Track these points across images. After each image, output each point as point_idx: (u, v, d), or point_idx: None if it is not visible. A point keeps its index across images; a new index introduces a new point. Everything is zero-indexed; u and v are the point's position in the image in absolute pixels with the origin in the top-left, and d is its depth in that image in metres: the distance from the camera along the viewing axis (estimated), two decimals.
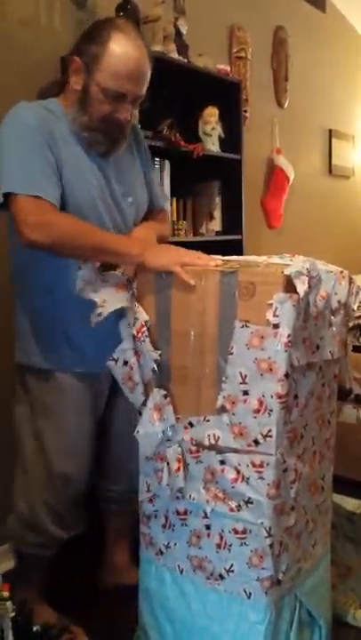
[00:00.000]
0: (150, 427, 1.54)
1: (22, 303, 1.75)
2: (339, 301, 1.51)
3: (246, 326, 1.37)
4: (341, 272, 1.53)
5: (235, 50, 3.46)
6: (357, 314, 2.96)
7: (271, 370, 1.36)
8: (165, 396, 1.53)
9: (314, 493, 1.61)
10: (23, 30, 2.27)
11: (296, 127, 4.15)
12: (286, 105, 4.00)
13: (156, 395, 1.54)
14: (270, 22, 3.83)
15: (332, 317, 1.52)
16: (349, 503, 2.62)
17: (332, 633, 1.79)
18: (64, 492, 1.76)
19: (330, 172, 4.68)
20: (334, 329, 1.54)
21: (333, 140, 4.64)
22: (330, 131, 4.61)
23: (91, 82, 1.58)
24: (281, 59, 3.89)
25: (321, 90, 4.47)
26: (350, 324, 2.96)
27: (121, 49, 1.55)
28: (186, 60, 2.68)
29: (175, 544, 1.58)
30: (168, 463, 1.53)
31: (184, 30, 2.72)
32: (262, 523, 1.42)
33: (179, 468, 1.51)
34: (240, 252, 3.00)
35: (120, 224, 1.73)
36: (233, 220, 3.01)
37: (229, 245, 2.94)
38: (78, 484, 1.79)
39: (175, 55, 2.61)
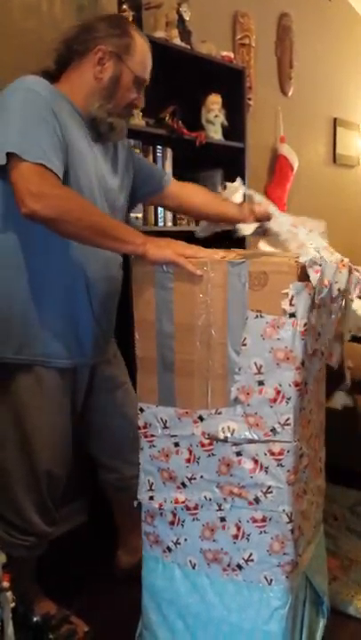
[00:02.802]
0: None
1: (12, 292, 1.62)
2: (338, 289, 1.50)
3: (261, 316, 1.37)
4: (342, 260, 1.51)
5: (239, 37, 3.42)
6: None
7: (288, 359, 1.36)
8: None
9: (316, 475, 1.64)
10: (24, 16, 2.24)
11: (300, 115, 4.11)
12: (291, 93, 3.96)
13: None
14: (275, 9, 3.79)
15: (333, 305, 1.51)
16: (352, 495, 2.62)
17: (334, 624, 1.82)
18: (50, 488, 1.74)
19: (334, 160, 4.65)
20: (333, 316, 1.53)
21: (338, 129, 4.61)
22: (334, 119, 4.58)
23: (123, 70, 1.64)
24: (285, 46, 3.86)
25: (326, 78, 4.43)
26: None
27: (143, 41, 1.68)
28: (189, 47, 2.65)
29: (185, 539, 1.57)
30: None
31: (187, 16, 2.69)
32: (283, 510, 1.44)
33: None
34: (243, 241, 2.97)
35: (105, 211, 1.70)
36: None
37: (233, 235, 2.91)
38: (62, 480, 1.78)
39: (178, 41, 2.58)
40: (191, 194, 1.98)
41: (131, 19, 2.35)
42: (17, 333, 1.63)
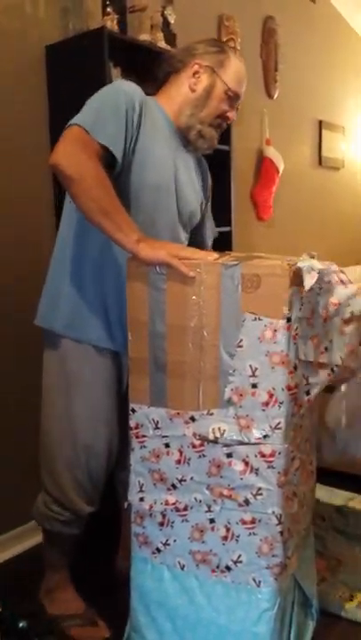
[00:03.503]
0: None
1: (67, 272, 1.73)
2: (352, 312, 1.50)
3: (259, 319, 1.37)
4: None
5: (223, 39, 3.41)
6: None
7: (283, 363, 1.37)
8: None
9: (307, 479, 1.64)
10: (8, 18, 2.24)
11: (286, 118, 4.13)
12: (276, 95, 3.98)
13: None
14: (259, 12, 3.80)
15: (345, 327, 1.51)
16: (339, 495, 2.63)
17: (323, 625, 1.83)
18: (87, 464, 1.77)
19: (320, 163, 4.67)
20: (346, 339, 1.53)
21: (323, 132, 4.63)
22: (320, 122, 4.60)
23: (216, 82, 1.75)
24: (270, 49, 3.87)
25: (311, 81, 4.45)
26: None
27: (237, 60, 1.80)
28: (174, 50, 2.65)
29: (175, 541, 1.57)
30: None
31: (172, 19, 2.70)
32: (273, 512, 1.44)
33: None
34: (229, 245, 2.98)
35: (174, 219, 1.78)
36: (222, 211, 2.98)
37: (219, 237, 2.91)
38: (100, 458, 1.79)
39: (163, 44, 2.58)
40: None
41: (115, 21, 2.36)
42: (65, 312, 1.73)
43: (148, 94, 1.75)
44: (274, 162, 3.79)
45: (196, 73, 1.76)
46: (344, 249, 4.84)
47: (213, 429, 1.45)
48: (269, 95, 3.94)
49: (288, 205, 4.19)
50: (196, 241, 1.96)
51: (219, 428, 1.44)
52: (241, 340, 1.39)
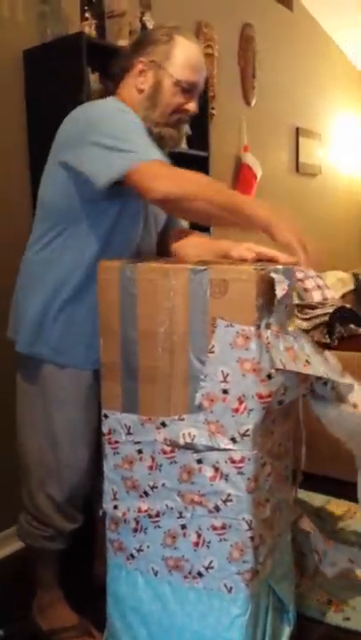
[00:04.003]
0: None
1: (53, 296, 1.67)
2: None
3: (231, 326, 1.37)
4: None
5: (202, 46, 3.44)
6: (318, 312, 3.00)
7: (254, 370, 1.36)
8: None
9: (281, 484, 1.64)
10: None
11: (263, 125, 4.16)
12: (254, 102, 4.00)
13: None
14: (237, 19, 3.83)
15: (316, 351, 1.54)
16: (316, 499, 2.64)
17: (301, 629, 1.83)
18: (69, 483, 1.75)
19: (297, 170, 4.71)
20: (324, 355, 1.55)
21: (301, 139, 4.68)
22: (297, 129, 4.64)
23: (163, 77, 1.65)
24: (248, 56, 3.90)
25: (288, 88, 4.49)
26: (317, 321, 2.98)
27: (189, 45, 1.67)
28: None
29: (148, 547, 1.57)
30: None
31: (150, 25, 2.70)
32: (243, 518, 1.44)
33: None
34: None
35: (151, 238, 1.78)
36: None
37: None
38: (82, 477, 1.78)
39: None
40: (188, 244, 1.95)
41: (93, 27, 2.36)
42: (53, 338, 1.69)
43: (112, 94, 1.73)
44: (252, 168, 3.82)
45: (141, 72, 1.67)
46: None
47: (184, 434, 1.45)
48: (247, 102, 3.96)
49: None
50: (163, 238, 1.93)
51: (189, 434, 1.44)
52: (213, 346, 1.39)
